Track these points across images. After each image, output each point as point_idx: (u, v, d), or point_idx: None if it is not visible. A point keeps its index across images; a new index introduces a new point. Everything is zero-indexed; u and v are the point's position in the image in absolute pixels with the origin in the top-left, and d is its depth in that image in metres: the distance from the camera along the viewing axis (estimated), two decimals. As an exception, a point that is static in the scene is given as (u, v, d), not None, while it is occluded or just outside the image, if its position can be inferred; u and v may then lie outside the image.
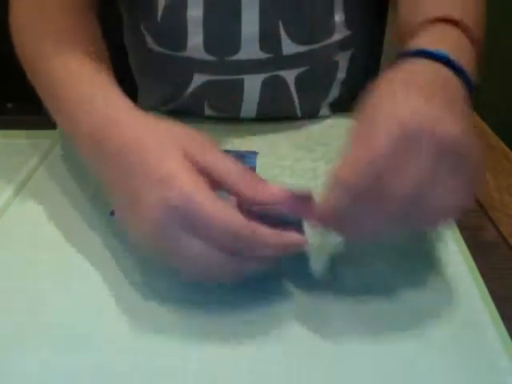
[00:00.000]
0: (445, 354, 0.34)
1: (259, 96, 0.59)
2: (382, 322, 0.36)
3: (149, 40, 0.59)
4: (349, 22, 0.59)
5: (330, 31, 0.58)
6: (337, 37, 0.59)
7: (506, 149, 0.58)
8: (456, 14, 0.42)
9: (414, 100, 0.33)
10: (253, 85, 0.58)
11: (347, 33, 0.59)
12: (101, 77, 0.44)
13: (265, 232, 0.33)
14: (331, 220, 0.34)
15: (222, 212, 0.32)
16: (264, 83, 0.58)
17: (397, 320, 0.37)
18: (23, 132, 0.59)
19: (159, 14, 0.56)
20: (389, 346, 0.35)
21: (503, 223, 0.46)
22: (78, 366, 0.34)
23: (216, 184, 0.35)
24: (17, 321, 0.37)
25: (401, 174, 0.32)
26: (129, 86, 0.67)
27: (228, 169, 0.35)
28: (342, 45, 0.60)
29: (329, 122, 0.62)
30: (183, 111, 0.62)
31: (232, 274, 0.35)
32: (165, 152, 0.35)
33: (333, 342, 0.35)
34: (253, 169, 0.53)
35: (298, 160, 0.55)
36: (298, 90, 0.59)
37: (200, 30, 0.55)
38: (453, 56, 0.37)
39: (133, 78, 0.69)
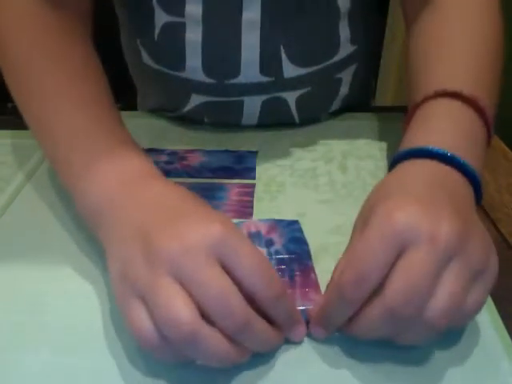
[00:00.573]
0: (444, 354, 0.34)
1: (259, 114, 0.58)
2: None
3: (145, 55, 0.58)
4: (354, 38, 0.57)
5: (333, 51, 0.56)
6: (342, 54, 0.57)
7: (506, 148, 0.58)
8: (466, 89, 0.39)
9: (408, 203, 0.31)
10: (252, 105, 0.57)
11: (352, 48, 0.58)
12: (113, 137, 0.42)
13: (260, 326, 0.31)
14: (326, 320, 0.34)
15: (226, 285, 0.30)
16: (264, 104, 0.57)
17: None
18: (23, 132, 0.59)
19: (156, 32, 0.54)
20: (387, 346, 0.35)
21: (503, 223, 0.46)
22: (78, 367, 0.34)
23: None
24: (17, 321, 0.37)
25: (394, 277, 0.30)
26: (129, 87, 0.68)
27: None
28: (347, 61, 0.58)
29: (329, 122, 0.62)
30: (183, 118, 0.61)
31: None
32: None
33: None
34: (253, 169, 0.53)
35: (298, 160, 0.55)
36: (298, 108, 0.58)
37: (199, 53, 0.54)
38: (455, 150, 0.35)
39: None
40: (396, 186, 0.35)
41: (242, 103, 0.57)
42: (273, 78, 0.55)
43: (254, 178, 0.52)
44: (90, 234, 0.44)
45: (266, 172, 0.53)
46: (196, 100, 0.57)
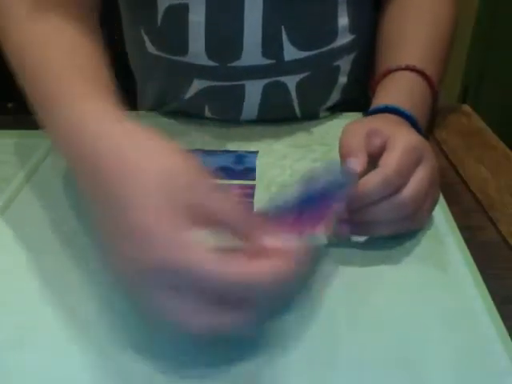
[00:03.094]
0: (445, 353, 0.34)
1: (260, 101, 0.59)
2: (381, 320, 0.37)
3: (148, 44, 0.59)
4: (353, 26, 0.58)
5: (333, 36, 0.58)
6: (340, 41, 0.58)
7: (506, 149, 0.58)
8: (421, 65, 0.53)
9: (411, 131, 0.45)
10: (254, 90, 0.58)
11: (351, 37, 0.59)
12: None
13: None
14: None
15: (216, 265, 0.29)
16: (265, 88, 0.58)
17: (396, 319, 0.37)
18: (24, 132, 0.59)
19: (159, 16, 0.56)
20: (388, 347, 0.35)
21: (503, 223, 0.46)
22: (77, 367, 0.34)
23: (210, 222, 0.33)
24: (17, 321, 0.37)
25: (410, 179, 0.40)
26: (129, 84, 0.68)
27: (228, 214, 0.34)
28: (346, 49, 0.60)
29: (328, 122, 0.62)
30: (183, 112, 0.62)
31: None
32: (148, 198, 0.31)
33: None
34: (253, 169, 0.53)
35: (298, 160, 0.55)
36: (298, 95, 0.59)
37: (202, 35, 0.55)
38: (412, 112, 0.49)
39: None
40: (394, 125, 0.46)
41: (243, 88, 0.58)
42: (274, 61, 0.56)
43: (254, 179, 0.52)
44: (89, 234, 0.44)
45: (266, 172, 0.52)
46: (198, 85, 0.58)
